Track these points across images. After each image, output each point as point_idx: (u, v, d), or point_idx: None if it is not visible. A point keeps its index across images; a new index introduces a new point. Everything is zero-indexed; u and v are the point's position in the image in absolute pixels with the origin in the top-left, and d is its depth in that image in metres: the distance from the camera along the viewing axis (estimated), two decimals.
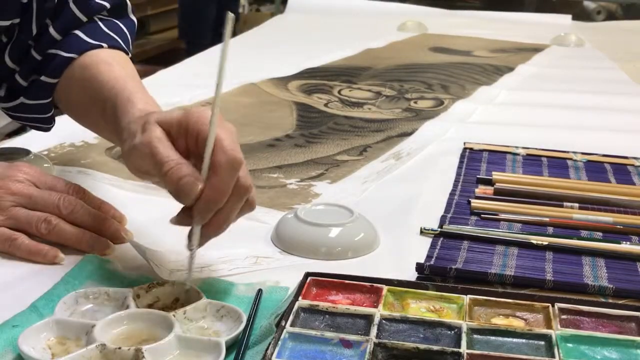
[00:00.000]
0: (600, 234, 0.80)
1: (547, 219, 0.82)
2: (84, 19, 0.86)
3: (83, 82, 0.81)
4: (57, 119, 1.13)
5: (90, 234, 0.71)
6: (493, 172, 0.96)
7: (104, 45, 0.85)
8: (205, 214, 0.62)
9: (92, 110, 0.80)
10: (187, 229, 0.64)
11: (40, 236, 0.70)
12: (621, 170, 1.01)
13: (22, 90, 0.87)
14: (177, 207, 0.85)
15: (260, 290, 0.63)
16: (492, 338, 0.57)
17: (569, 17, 2.87)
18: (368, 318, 0.58)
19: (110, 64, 0.81)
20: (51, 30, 0.84)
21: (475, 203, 0.86)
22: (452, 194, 0.90)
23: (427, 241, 0.76)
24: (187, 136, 0.63)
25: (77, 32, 0.85)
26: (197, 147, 0.62)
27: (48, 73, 0.84)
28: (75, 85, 0.83)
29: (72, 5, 0.85)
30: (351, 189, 0.92)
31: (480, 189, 0.91)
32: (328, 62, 1.74)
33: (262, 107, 1.30)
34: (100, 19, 0.87)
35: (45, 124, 0.92)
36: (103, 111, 0.76)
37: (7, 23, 0.83)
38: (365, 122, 1.21)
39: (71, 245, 0.70)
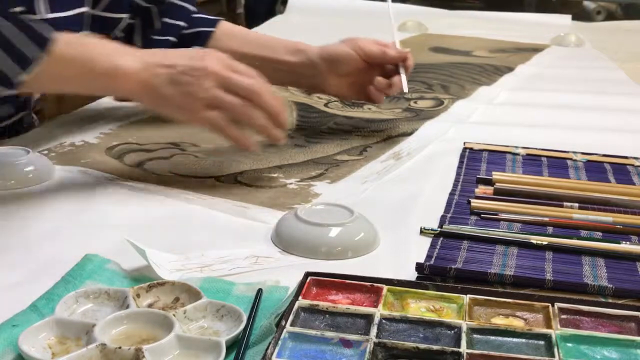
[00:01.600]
0: (600, 233, 0.80)
1: (547, 219, 0.82)
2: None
3: (236, 40, 1.09)
4: (56, 119, 1.13)
5: (271, 125, 0.86)
6: (493, 172, 0.96)
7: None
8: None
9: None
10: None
11: (237, 119, 0.85)
12: (621, 170, 1.01)
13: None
14: (175, 207, 0.85)
15: (260, 290, 0.63)
16: (492, 338, 0.57)
17: (568, 17, 2.87)
18: (368, 318, 0.58)
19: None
20: (173, 21, 1.09)
21: (475, 203, 0.86)
22: (452, 194, 0.90)
23: (427, 241, 0.76)
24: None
25: (200, 14, 1.12)
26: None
27: (199, 43, 1.09)
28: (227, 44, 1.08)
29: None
30: (351, 189, 0.92)
31: (480, 189, 0.91)
32: None
33: None
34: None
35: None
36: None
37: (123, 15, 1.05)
38: (365, 122, 1.21)
39: (259, 129, 0.86)
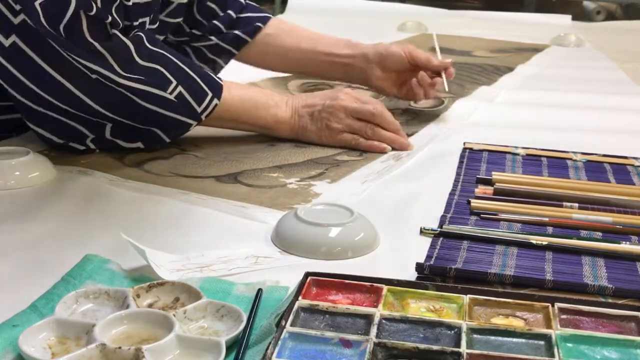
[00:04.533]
0: (600, 234, 0.80)
1: (546, 219, 0.82)
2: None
3: (293, 36, 1.25)
4: None
5: (396, 136, 1.08)
6: (493, 172, 0.96)
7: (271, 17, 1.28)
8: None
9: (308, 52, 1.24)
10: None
11: (367, 137, 1.07)
12: (621, 170, 1.01)
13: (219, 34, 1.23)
14: (175, 207, 0.85)
15: (260, 290, 0.63)
16: (492, 338, 0.57)
17: (568, 17, 2.87)
18: (368, 318, 0.58)
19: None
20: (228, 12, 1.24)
21: (475, 203, 0.86)
22: (452, 194, 0.90)
23: (427, 241, 0.76)
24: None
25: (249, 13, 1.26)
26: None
27: (245, 32, 1.24)
28: (280, 40, 1.25)
29: None
30: (351, 189, 0.92)
31: (480, 189, 0.91)
32: None
33: None
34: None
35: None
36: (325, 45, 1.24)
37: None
38: None
39: (387, 142, 1.07)
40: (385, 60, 1.19)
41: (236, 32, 1.23)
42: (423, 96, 1.23)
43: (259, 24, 1.24)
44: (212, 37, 1.22)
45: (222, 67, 1.28)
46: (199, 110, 1.00)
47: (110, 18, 0.91)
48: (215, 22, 1.22)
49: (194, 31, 1.21)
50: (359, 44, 1.24)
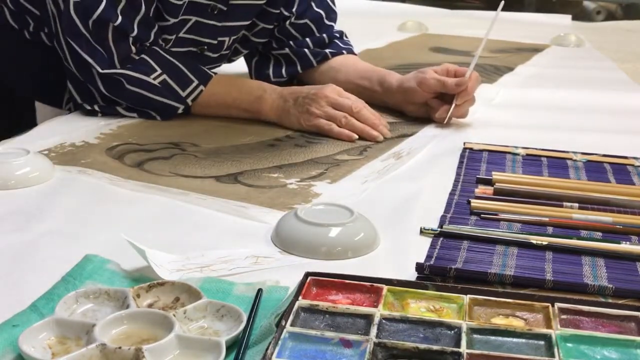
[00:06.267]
0: (600, 234, 0.80)
1: (547, 219, 0.82)
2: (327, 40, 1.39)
3: (345, 72, 1.34)
4: (56, 119, 1.13)
5: (368, 127, 1.13)
6: (493, 172, 0.96)
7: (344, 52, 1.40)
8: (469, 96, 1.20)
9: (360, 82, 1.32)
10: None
11: (340, 126, 1.13)
12: (621, 170, 1.01)
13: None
14: (175, 207, 0.85)
15: (260, 290, 0.63)
16: (492, 338, 0.57)
17: (568, 17, 2.88)
18: (368, 318, 0.58)
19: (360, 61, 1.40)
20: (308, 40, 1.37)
21: (475, 203, 0.86)
22: (452, 194, 0.90)
23: (427, 241, 0.76)
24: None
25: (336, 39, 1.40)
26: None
27: (313, 54, 1.37)
28: (341, 70, 1.35)
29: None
30: (351, 189, 0.92)
31: (480, 189, 0.91)
32: None
33: None
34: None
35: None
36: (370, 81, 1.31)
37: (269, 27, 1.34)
38: None
39: (358, 132, 1.12)
40: (406, 96, 1.25)
41: (306, 51, 1.36)
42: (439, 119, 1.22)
43: (328, 54, 1.37)
44: (286, 48, 1.36)
45: (284, 79, 1.38)
46: (184, 95, 1.16)
47: (135, 31, 1.11)
48: (291, 41, 1.36)
49: (274, 44, 1.37)
50: (389, 80, 1.28)
